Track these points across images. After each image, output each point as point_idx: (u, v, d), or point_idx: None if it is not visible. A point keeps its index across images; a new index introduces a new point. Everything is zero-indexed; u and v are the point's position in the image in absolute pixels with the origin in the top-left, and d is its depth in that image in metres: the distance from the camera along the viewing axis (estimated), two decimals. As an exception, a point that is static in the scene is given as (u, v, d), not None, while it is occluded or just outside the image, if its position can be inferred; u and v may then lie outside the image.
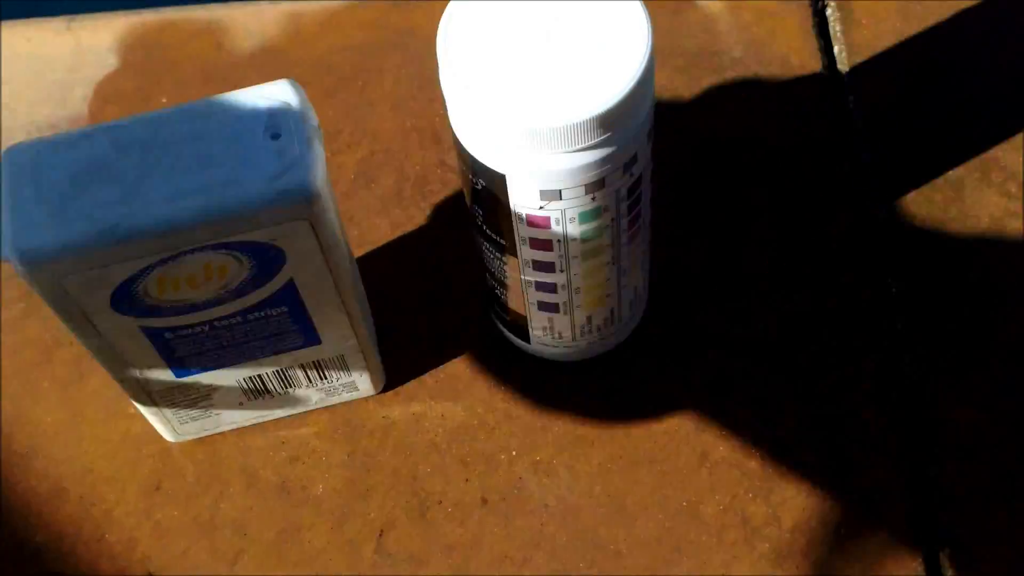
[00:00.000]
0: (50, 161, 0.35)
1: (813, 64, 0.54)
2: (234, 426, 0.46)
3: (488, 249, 0.42)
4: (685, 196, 0.51)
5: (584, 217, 0.39)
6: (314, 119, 0.37)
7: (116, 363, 0.40)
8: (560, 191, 0.37)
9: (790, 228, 0.50)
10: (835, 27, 0.55)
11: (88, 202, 0.35)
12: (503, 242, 0.41)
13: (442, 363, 0.48)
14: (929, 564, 0.43)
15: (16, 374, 0.49)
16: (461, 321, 0.49)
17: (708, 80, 0.54)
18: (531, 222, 0.39)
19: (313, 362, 0.43)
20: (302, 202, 0.35)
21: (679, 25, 0.56)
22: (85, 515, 0.46)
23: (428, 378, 0.48)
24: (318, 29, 0.57)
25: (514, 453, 0.46)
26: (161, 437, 0.47)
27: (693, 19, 0.56)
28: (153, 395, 0.42)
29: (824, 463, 0.45)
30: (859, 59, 0.54)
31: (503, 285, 0.44)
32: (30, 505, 0.47)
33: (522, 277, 0.42)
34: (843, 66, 0.54)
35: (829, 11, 0.56)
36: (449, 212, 0.52)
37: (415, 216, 0.52)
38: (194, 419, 0.45)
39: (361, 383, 0.46)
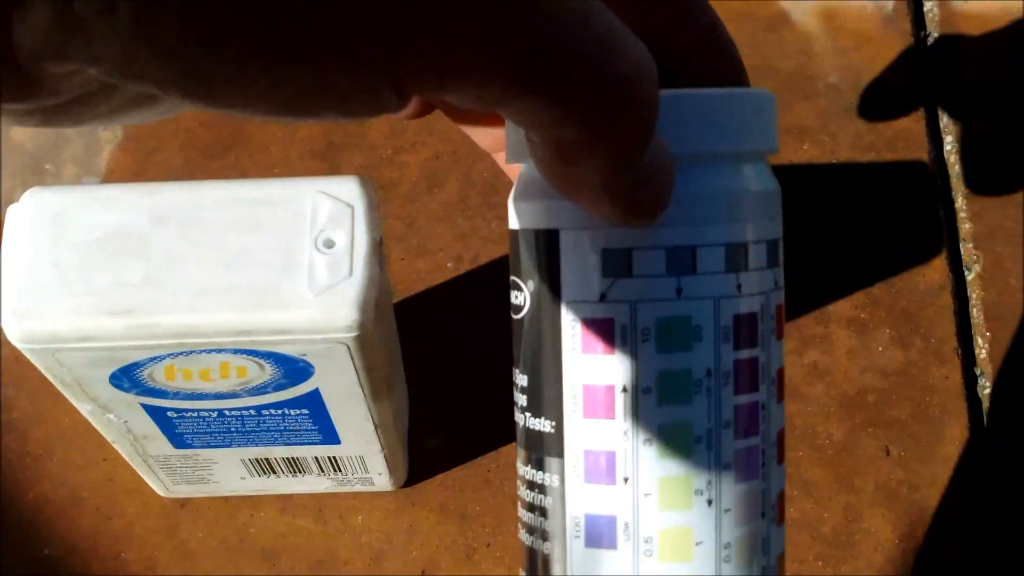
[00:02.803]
0: (75, 217, 0.31)
1: (912, 98, 0.50)
2: (233, 494, 0.43)
3: (528, 475, 0.22)
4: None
5: (665, 334, 0.20)
6: (378, 230, 0.31)
7: (109, 427, 0.36)
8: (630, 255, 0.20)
9: (875, 272, 0.47)
10: (937, 59, 0.51)
11: (106, 276, 0.30)
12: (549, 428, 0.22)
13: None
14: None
15: (34, 367, 0.45)
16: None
17: (801, 106, 0.50)
18: (587, 337, 0.21)
19: (329, 457, 0.39)
20: (343, 329, 0.30)
21: (773, 43, 0.52)
22: (102, 528, 0.43)
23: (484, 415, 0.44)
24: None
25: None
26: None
27: (788, 38, 0.52)
28: (148, 459, 0.39)
29: (901, 535, 0.42)
30: (962, 97, 0.51)
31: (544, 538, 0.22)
32: (42, 512, 0.43)
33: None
34: (944, 102, 0.51)
35: (931, 41, 0.52)
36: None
37: (480, 228, 0.48)
38: (190, 483, 0.41)
39: (379, 480, 0.42)
